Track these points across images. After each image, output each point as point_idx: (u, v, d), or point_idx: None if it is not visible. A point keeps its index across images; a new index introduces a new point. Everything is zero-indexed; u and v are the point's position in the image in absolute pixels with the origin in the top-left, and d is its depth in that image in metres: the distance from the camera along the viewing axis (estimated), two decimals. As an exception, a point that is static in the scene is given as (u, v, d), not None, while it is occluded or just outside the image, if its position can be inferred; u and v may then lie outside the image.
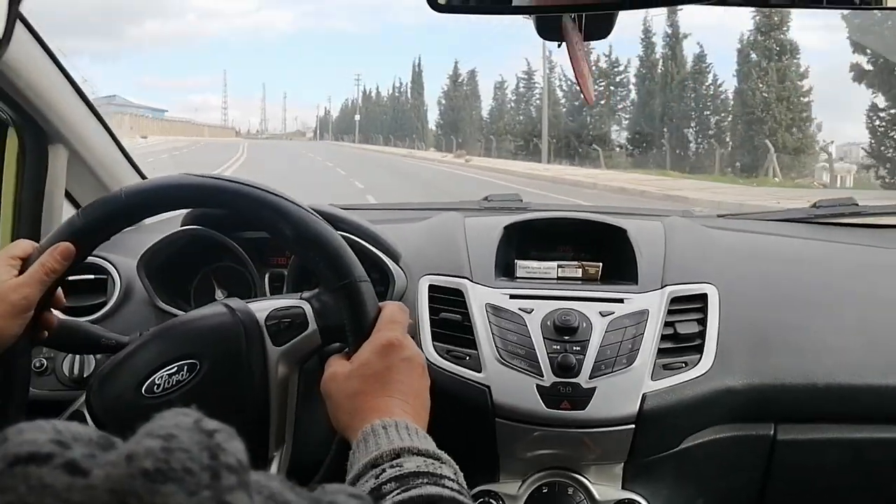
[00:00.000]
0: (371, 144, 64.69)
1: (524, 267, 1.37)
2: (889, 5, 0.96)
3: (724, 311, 1.23)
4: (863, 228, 1.69)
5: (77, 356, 1.23)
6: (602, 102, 40.24)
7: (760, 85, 28.84)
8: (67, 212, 1.50)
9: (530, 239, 1.44)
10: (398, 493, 0.67)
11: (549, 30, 1.11)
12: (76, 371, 1.22)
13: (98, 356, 1.22)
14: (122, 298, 1.32)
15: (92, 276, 1.32)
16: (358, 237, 1.24)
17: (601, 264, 1.37)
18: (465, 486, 0.72)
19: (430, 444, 0.76)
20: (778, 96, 28.41)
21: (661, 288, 1.24)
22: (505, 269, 1.36)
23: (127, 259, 1.35)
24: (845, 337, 1.27)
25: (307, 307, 0.94)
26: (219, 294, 1.38)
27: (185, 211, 1.34)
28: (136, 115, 70.86)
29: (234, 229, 1.33)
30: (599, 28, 1.12)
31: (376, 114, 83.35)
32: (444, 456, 0.75)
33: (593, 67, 38.71)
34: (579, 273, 1.37)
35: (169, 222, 1.38)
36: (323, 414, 0.87)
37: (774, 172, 21.34)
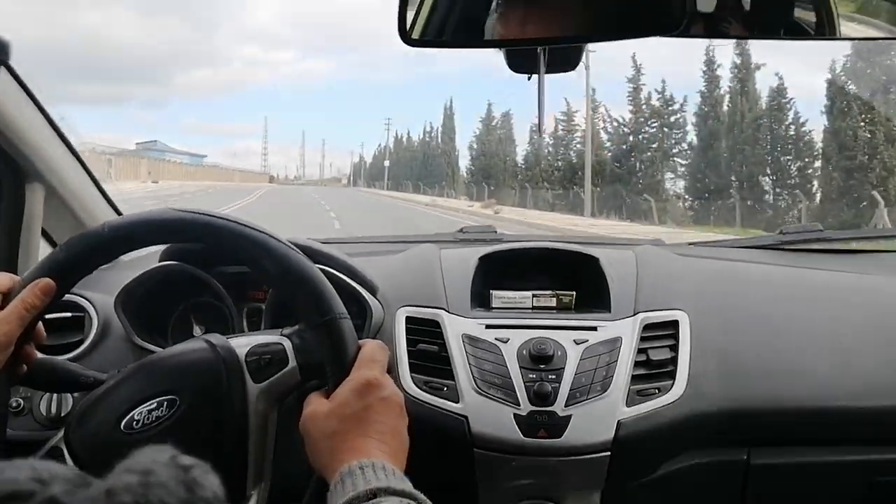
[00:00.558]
0: (400, 191, 59.60)
1: (499, 297, 1.38)
2: (843, 36, 0.99)
3: (696, 337, 1.25)
4: (829, 254, 1.73)
5: (54, 395, 1.22)
6: (654, 146, 35.62)
7: (862, 123, 23.95)
8: (44, 250, 1.50)
9: (505, 269, 1.45)
10: None
11: (520, 64, 1.14)
12: (53, 410, 1.21)
13: (75, 395, 1.21)
14: (99, 336, 1.31)
15: (69, 314, 1.32)
16: (335, 270, 1.25)
17: (575, 293, 1.39)
18: None
19: (406, 485, 0.77)
20: (888, 137, 23.39)
21: (634, 315, 1.26)
22: (480, 300, 1.37)
23: (104, 296, 1.35)
24: (815, 360, 1.29)
25: (287, 343, 0.94)
26: (197, 330, 1.38)
27: (162, 246, 1.34)
28: (158, 159, 72.68)
29: (212, 264, 1.33)
30: (567, 60, 1.16)
31: (406, 159, 77.61)
32: (421, 496, 0.76)
33: (643, 106, 35.70)
34: (553, 302, 1.39)
35: (146, 258, 1.39)
36: (301, 451, 0.88)
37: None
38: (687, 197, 32.09)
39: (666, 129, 35.85)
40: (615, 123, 37.96)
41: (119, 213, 1.69)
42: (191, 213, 0.92)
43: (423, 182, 59.21)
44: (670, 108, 36.22)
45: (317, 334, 0.90)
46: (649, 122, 36.82)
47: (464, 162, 60.60)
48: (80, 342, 1.31)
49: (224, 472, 0.36)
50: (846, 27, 0.94)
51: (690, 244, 1.86)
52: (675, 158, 35.46)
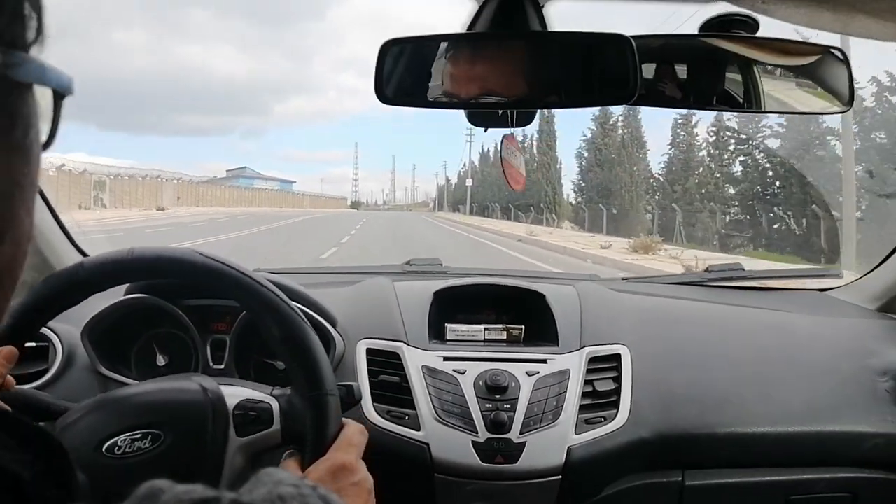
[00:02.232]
0: (486, 217, 45.97)
1: (454, 330, 1.47)
2: (766, 110, 1.11)
3: (636, 370, 1.36)
4: (749, 291, 1.89)
5: None
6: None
7: None
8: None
9: (457, 303, 1.55)
10: None
11: (480, 120, 1.24)
12: None
13: (42, 424, 1.22)
14: (63, 365, 1.33)
15: (34, 345, 1.33)
16: (296, 302, 1.30)
17: (523, 327, 1.49)
18: None
19: None
20: None
21: (580, 349, 1.37)
22: (436, 332, 1.46)
23: (66, 326, 1.36)
24: (739, 390, 1.43)
25: (275, 405, 0.98)
26: (160, 359, 1.40)
27: None
28: (246, 187, 76.31)
29: (178, 297, 1.37)
30: (523, 118, 1.27)
31: (493, 177, 58.95)
32: None
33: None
34: (504, 335, 1.48)
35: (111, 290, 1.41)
36: None
37: None
38: None
39: None
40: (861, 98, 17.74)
41: (83, 253, 1.67)
42: (211, 260, 0.96)
43: (514, 204, 44.31)
44: None
45: (304, 404, 0.95)
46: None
47: (568, 178, 47.74)
48: (45, 371, 1.32)
49: None
50: (769, 102, 1.07)
51: (623, 279, 1.99)
52: None
